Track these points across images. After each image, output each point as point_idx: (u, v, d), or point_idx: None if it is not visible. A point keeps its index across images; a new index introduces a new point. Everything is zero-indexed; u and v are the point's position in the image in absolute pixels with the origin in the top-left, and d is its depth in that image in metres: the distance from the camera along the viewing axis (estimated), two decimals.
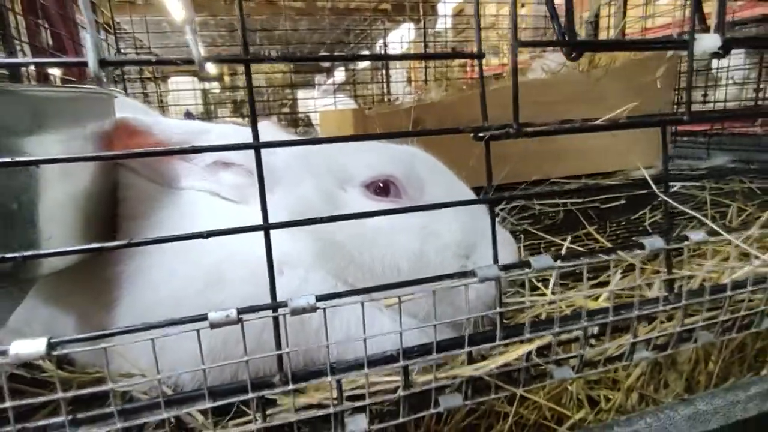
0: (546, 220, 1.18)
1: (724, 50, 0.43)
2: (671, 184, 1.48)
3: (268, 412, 0.38)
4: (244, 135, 0.55)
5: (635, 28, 2.40)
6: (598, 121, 0.42)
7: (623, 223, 1.12)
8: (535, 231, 1.02)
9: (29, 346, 0.29)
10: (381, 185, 0.49)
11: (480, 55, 0.40)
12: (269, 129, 0.64)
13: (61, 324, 0.51)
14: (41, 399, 0.31)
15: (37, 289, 0.46)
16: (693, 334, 0.48)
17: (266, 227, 0.34)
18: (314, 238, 0.45)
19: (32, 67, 1.40)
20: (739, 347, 0.65)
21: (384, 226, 0.44)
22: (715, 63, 2.14)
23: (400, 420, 0.40)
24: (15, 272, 0.40)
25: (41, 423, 0.31)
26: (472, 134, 0.39)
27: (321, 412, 0.38)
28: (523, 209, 1.30)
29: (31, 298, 0.44)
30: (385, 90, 4.42)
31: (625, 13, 2.19)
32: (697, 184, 1.46)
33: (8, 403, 0.30)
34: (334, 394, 0.38)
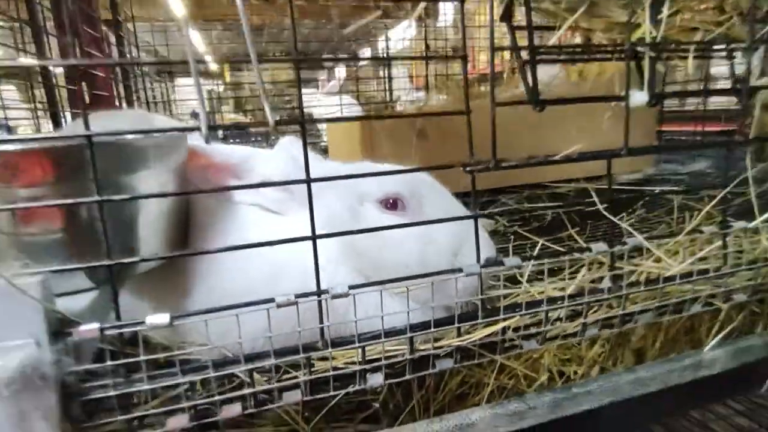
0: (534, 223, 1.31)
1: (653, 103, 0.57)
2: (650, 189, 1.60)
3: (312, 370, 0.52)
4: (281, 158, 0.69)
5: None
6: (556, 156, 0.56)
7: (603, 225, 1.25)
8: (523, 233, 1.16)
9: (158, 319, 0.44)
10: (391, 201, 0.63)
11: (464, 56, 0.54)
12: (295, 145, 0.76)
13: (141, 309, 0.65)
14: (163, 355, 0.45)
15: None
16: (634, 317, 0.62)
17: (313, 237, 0.48)
18: (341, 243, 0.58)
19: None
20: (686, 329, 0.79)
21: (394, 234, 0.58)
22: (713, 70, 2.25)
23: (407, 377, 0.54)
24: (123, 271, 0.54)
25: (163, 371, 0.46)
26: (462, 167, 0.53)
27: (350, 370, 0.52)
28: (515, 212, 1.44)
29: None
30: (386, 87, 4.47)
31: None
32: (674, 188, 1.59)
33: (142, 357, 0.44)
34: (359, 358, 0.52)
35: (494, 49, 0.51)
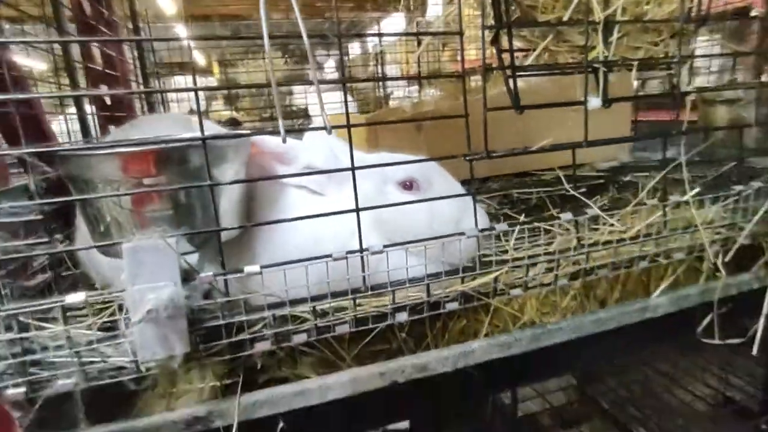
0: (521, 205, 1.50)
1: (607, 106, 0.75)
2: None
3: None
4: (322, 146, 0.86)
5: None
6: (534, 147, 0.75)
7: (579, 204, 1.45)
8: (511, 214, 1.35)
9: (253, 268, 0.61)
10: (408, 183, 0.81)
11: (460, 32, 0.72)
12: (332, 140, 0.92)
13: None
14: (244, 296, 0.63)
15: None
16: (594, 271, 0.81)
17: (357, 210, 0.66)
18: (371, 215, 0.76)
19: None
20: (641, 282, 0.98)
21: (411, 208, 0.76)
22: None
23: (425, 315, 0.72)
24: (210, 239, 0.71)
25: (253, 307, 0.63)
26: (462, 157, 0.71)
27: (383, 310, 0.70)
28: (505, 197, 1.63)
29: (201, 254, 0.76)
30: (380, 85, 4.59)
31: None
32: (645, 174, 1.79)
33: (241, 296, 0.62)
34: (390, 300, 0.70)
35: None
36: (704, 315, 0.92)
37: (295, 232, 0.76)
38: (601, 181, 1.75)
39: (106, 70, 1.77)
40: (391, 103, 4.35)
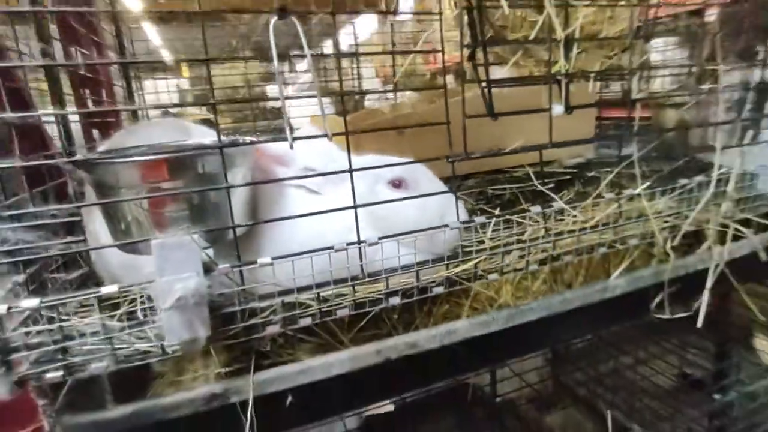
0: (496, 200, 1.62)
1: (569, 112, 0.86)
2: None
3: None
4: (319, 149, 0.94)
5: None
6: (507, 149, 0.85)
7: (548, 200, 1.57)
8: (487, 209, 1.46)
9: (265, 260, 0.69)
10: (397, 182, 0.90)
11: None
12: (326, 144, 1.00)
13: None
14: (257, 285, 0.71)
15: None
16: (561, 257, 0.93)
17: (355, 207, 0.75)
18: (365, 211, 0.85)
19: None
20: (601, 266, 1.10)
21: (401, 205, 0.85)
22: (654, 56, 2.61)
23: (414, 298, 0.82)
24: (223, 235, 0.79)
25: (264, 295, 0.71)
26: (445, 158, 0.81)
27: (378, 295, 0.79)
28: (481, 193, 1.74)
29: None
30: (356, 86, 4.64)
31: None
32: (607, 170, 1.93)
33: (258, 284, 0.70)
34: (384, 286, 0.80)
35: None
36: (656, 293, 1.04)
37: (297, 228, 0.84)
38: (568, 176, 1.89)
39: (89, 74, 1.80)
40: (367, 104, 4.41)
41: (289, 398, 0.77)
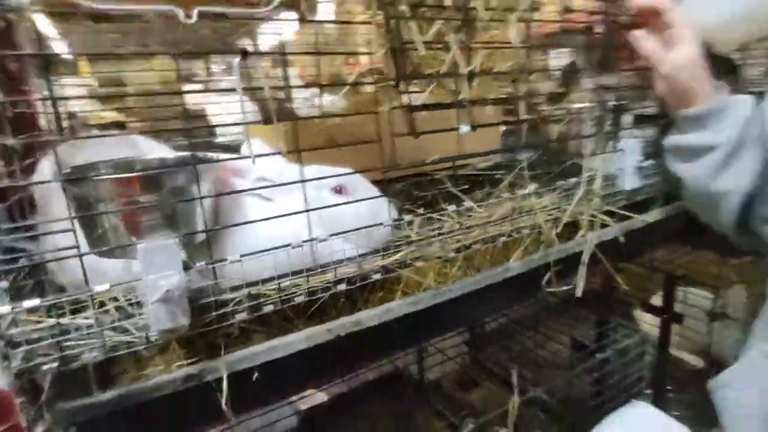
0: (420, 201, 1.84)
1: (474, 130, 1.09)
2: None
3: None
4: (270, 161, 1.08)
5: None
6: (428, 160, 1.06)
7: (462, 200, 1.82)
8: (412, 208, 1.67)
9: (234, 257, 0.83)
10: (338, 188, 1.08)
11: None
12: (262, 145, 1.15)
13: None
14: (227, 279, 0.85)
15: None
16: (471, 246, 1.16)
17: (308, 210, 0.91)
18: (314, 215, 1.01)
19: None
20: (503, 252, 1.36)
21: (342, 208, 1.02)
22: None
23: (357, 285, 1.00)
24: (191, 240, 0.91)
25: (234, 287, 0.85)
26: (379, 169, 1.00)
27: (328, 285, 0.96)
28: (407, 195, 1.96)
29: None
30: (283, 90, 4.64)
31: None
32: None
33: (232, 280, 0.83)
34: (332, 276, 0.96)
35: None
36: (545, 272, 1.32)
37: (255, 231, 0.98)
38: (480, 178, 2.18)
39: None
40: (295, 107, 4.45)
41: (256, 374, 0.91)
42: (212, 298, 0.83)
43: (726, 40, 1.42)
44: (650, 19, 1.14)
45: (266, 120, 0.91)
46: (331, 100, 3.89)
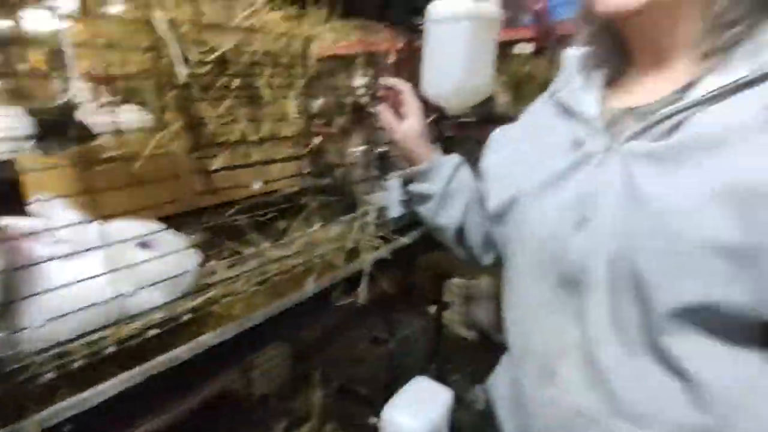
0: (227, 232, 1.99)
1: (265, 185, 1.32)
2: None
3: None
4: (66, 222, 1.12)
5: None
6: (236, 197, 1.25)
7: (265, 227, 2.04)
8: (218, 242, 1.82)
9: (37, 323, 0.90)
10: (144, 243, 1.19)
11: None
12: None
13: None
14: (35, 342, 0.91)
15: None
16: (276, 277, 1.39)
17: (114, 270, 1.02)
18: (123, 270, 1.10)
19: None
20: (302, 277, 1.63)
21: (150, 262, 1.14)
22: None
23: (167, 328, 1.13)
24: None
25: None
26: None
27: (138, 332, 1.07)
28: (213, 229, 2.08)
29: None
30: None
31: None
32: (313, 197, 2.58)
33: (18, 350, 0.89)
34: (141, 324, 1.08)
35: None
36: (336, 289, 1.63)
37: (59, 292, 1.04)
38: (284, 205, 2.43)
39: None
40: (79, 115, 3.99)
41: (68, 427, 0.98)
42: (17, 366, 0.88)
43: (454, 104, 1.97)
44: (391, 96, 1.56)
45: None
46: (128, 119, 3.65)
